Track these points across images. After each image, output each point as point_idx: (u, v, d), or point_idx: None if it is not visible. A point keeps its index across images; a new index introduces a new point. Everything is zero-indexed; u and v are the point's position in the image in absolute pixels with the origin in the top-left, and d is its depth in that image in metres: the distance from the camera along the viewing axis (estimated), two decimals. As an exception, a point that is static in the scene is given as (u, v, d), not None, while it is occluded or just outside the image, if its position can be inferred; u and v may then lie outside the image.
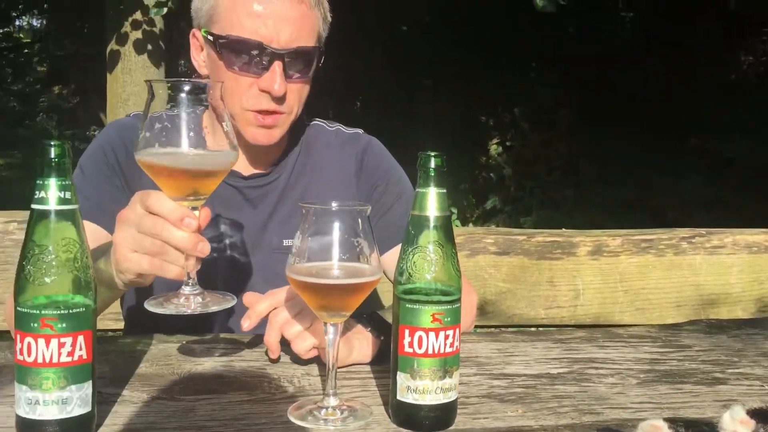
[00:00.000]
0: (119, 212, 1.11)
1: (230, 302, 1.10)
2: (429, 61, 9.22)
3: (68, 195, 0.88)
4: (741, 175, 7.62)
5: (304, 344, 1.16)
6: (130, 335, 1.61)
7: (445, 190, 0.98)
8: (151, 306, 1.06)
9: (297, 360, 1.21)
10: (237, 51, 1.39)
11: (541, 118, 7.85)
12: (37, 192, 0.87)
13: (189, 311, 1.06)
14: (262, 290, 1.48)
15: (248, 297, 1.22)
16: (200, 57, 1.49)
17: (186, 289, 1.09)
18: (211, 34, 1.41)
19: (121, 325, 1.77)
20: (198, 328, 1.49)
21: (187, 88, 1.04)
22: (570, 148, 7.68)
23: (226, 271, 1.51)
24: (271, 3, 1.37)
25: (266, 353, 1.23)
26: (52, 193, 0.87)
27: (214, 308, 1.08)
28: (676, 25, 8.91)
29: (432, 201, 0.97)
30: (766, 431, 0.85)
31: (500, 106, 8.17)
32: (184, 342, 1.32)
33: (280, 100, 1.40)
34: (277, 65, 1.38)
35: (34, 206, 0.87)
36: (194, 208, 1.06)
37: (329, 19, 1.51)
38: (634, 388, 1.15)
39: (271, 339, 1.18)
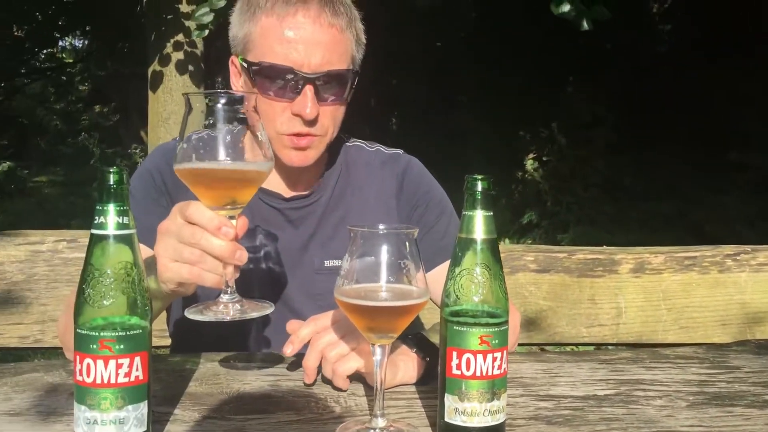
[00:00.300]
0: (160, 224, 1.14)
1: (268, 309, 1.12)
2: (465, 77, 9.24)
3: (126, 220, 0.90)
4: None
5: (346, 366, 1.17)
6: (177, 352, 1.65)
7: (491, 213, 0.99)
8: (191, 314, 1.09)
9: (336, 387, 1.21)
10: (270, 77, 1.42)
11: (578, 133, 7.80)
12: (96, 217, 0.90)
13: (228, 318, 1.09)
14: (304, 309, 1.50)
15: (291, 324, 1.24)
16: (239, 83, 1.52)
17: (225, 297, 1.11)
18: (246, 61, 1.45)
19: (165, 341, 1.81)
20: (243, 349, 1.52)
21: (223, 100, 1.08)
22: (608, 163, 7.61)
23: (266, 286, 1.53)
24: (302, 29, 1.40)
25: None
26: (110, 219, 0.89)
27: (253, 314, 1.11)
28: (715, 37, 8.80)
29: (479, 224, 0.98)
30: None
31: (537, 121, 8.14)
32: (231, 361, 1.34)
33: (313, 123, 1.42)
34: (308, 89, 1.40)
35: (93, 231, 0.90)
36: (231, 218, 1.09)
37: (363, 40, 1.53)
38: (684, 411, 1.14)
39: (310, 362, 1.20)
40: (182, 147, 1.08)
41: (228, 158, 1.06)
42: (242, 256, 1.09)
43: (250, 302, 1.12)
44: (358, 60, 1.52)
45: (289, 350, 1.21)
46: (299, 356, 1.32)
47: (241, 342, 1.54)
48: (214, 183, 1.08)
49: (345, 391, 1.19)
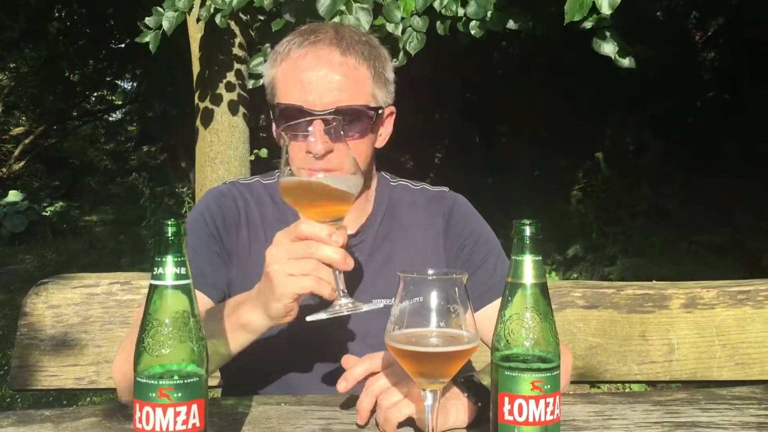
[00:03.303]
0: (267, 249, 1.22)
1: (379, 305, 1.25)
2: (504, 109, 9.25)
3: (183, 270, 0.93)
4: None
5: (398, 413, 1.17)
6: (228, 392, 1.67)
7: (540, 258, 1.00)
8: (310, 319, 1.21)
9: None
10: (285, 117, 1.47)
11: (624, 162, 7.70)
12: (155, 268, 0.93)
13: (345, 311, 1.21)
14: (353, 348, 1.51)
15: (347, 360, 1.26)
16: (275, 130, 1.57)
17: (342, 300, 1.23)
18: (270, 105, 1.52)
19: (212, 381, 1.83)
20: (294, 386, 1.53)
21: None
22: (656, 192, 7.49)
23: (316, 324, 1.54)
24: (313, 69, 1.46)
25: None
26: (168, 270, 0.93)
27: (365, 308, 1.23)
28: (761, 61, 8.67)
29: (528, 268, 0.99)
30: None
31: (581, 151, 8.08)
32: (282, 404, 1.35)
33: (325, 160, 1.36)
34: (317, 125, 1.38)
35: (152, 281, 0.93)
36: None
37: (388, 77, 1.55)
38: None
39: (364, 404, 1.21)
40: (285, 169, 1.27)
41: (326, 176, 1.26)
42: (350, 262, 1.20)
43: (360, 302, 1.25)
44: (381, 97, 1.53)
45: (342, 386, 1.23)
46: (350, 397, 1.33)
47: (292, 379, 1.55)
48: (319, 201, 1.24)
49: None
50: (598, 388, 4.10)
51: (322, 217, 1.23)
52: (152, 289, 0.93)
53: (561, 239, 7.31)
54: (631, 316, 2.10)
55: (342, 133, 1.41)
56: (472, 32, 3.29)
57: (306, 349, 1.51)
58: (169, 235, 0.93)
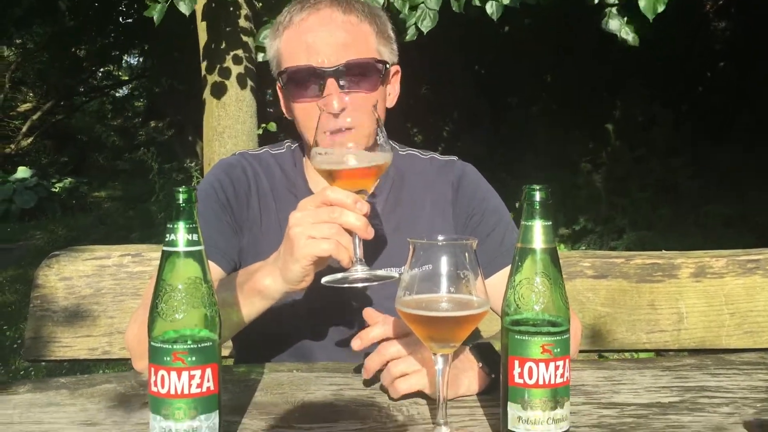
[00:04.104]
0: (290, 214, 1.24)
1: (393, 275, 1.26)
2: (515, 81, 9.18)
3: (195, 237, 0.94)
4: None
5: (406, 384, 1.18)
6: (239, 360, 1.69)
7: (550, 223, 1.00)
8: (326, 280, 1.24)
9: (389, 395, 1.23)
10: (296, 81, 1.48)
11: (634, 135, 7.66)
12: (167, 235, 0.94)
13: (360, 282, 1.23)
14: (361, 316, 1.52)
15: (368, 312, 1.27)
16: (283, 103, 1.58)
17: (359, 268, 1.24)
18: (278, 74, 1.53)
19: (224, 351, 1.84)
20: (304, 354, 1.54)
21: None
22: (665, 164, 7.45)
23: (328, 290, 1.55)
24: (316, 30, 1.47)
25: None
26: (180, 236, 0.93)
27: (379, 275, 1.25)
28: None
29: (538, 233, 0.99)
30: None
31: (591, 124, 8.03)
32: (294, 371, 1.36)
33: (343, 117, 1.35)
34: (331, 82, 1.44)
35: (165, 248, 0.94)
36: None
37: (390, 35, 1.57)
38: (751, 418, 1.12)
39: (373, 363, 1.23)
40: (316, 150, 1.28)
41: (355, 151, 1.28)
42: (371, 231, 1.22)
43: (376, 271, 1.27)
44: (386, 54, 1.55)
45: (356, 344, 1.24)
46: (361, 364, 1.34)
47: (304, 347, 1.56)
48: (351, 173, 1.26)
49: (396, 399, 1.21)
50: (606, 358, 4.11)
51: (348, 188, 1.25)
52: (165, 255, 0.94)
53: (570, 212, 7.30)
54: (641, 285, 2.10)
55: (352, 88, 1.46)
56: (489, 12, 3.27)
57: (319, 316, 1.52)
58: (181, 201, 0.94)
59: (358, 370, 1.33)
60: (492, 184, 1.73)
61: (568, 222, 7.28)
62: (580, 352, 2.19)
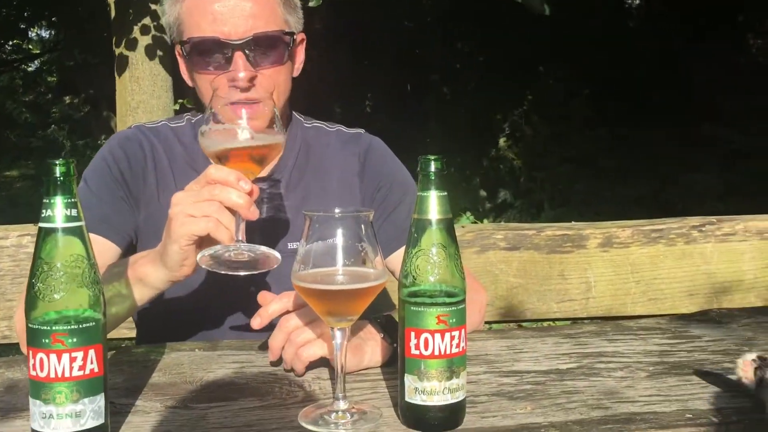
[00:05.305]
0: (174, 195, 1.19)
1: (275, 262, 1.20)
2: (437, 58, 9.21)
3: (74, 212, 0.89)
4: (756, 166, 7.52)
5: (310, 351, 1.17)
6: (142, 343, 1.64)
7: (445, 193, 0.99)
8: (203, 262, 1.17)
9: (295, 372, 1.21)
10: (201, 52, 1.44)
11: (553, 110, 7.81)
12: (44, 210, 0.89)
13: (243, 272, 1.17)
14: (269, 291, 1.50)
15: (263, 295, 1.25)
16: (184, 70, 1.52)
17: (242, 246, 1.18)
18: (180, 43, 1.47)
19: (132, 333, 1.79)
20: (208, 334, 1.51)
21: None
22: (583, 139, 7.64)
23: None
24: (223, 0, 1.42)
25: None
26: (58, 211, 0.88)
27: (258, 269, 1.18)
28: (683, 8, 8.84)
29: (433, 204, 0.98)
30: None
31: (512, 102, 8.14)
32: (195, 350, 1.33)
33: (250, 89, 1.39)
34: (238, 56, 1.40)
35: (41, 224, 0.89)
36: None
37: (296, 3, 1.53)
38: (643, 381, 1.15)
39: (276, 342, 1.21)
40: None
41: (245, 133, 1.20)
42: (255, 212, 1.17)
43: (258, 253, 1.20)
44: (293, 23, 1.52)
45: (256, 323, 1.22)
46: (265, 341, 1.32)
47: (208, 326, 1.53)
48: (239, 154, 1.20)
49: (300, 375, 1.19)
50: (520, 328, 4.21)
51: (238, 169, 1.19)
52: (41, 232, 0.89)
53: (491, 186, 7.42)
54: (551, 256, 2.15)
55: (260, 61, 1.42)
56: None
57: (221, 296, 1.49)
58: (58, 174, 0.89)
59: (263, 347, 1.31)
60: (410, 161, 1.72)
61: (491, 197, 7.39)
62: (493, 322, 2.23)
